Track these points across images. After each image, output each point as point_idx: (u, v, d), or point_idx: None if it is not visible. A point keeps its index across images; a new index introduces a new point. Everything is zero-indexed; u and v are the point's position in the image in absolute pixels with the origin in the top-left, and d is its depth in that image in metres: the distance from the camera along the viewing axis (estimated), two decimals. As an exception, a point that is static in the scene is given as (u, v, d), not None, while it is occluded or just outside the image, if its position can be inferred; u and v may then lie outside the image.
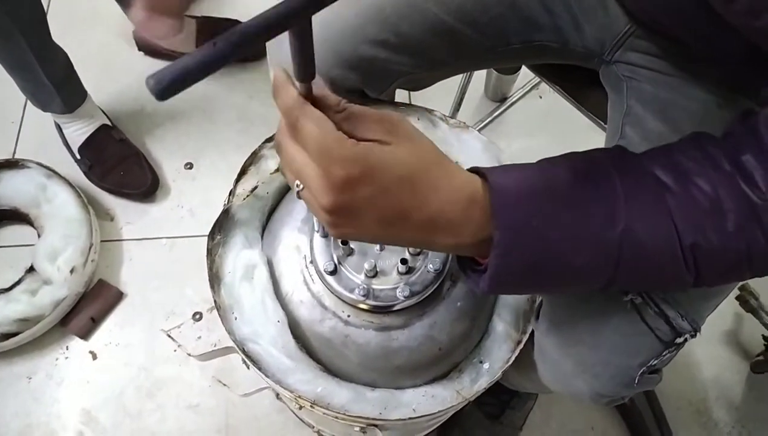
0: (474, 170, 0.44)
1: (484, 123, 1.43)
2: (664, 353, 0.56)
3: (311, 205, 0.42)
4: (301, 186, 0.41)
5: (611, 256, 0.43)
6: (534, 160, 0.47)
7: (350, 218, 0.40)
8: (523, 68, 1.35)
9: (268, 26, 0.31)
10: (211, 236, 0.66)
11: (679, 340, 0.56)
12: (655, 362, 0.56)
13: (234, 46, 0.31)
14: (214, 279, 0.65)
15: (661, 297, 0.56)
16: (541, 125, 1.46)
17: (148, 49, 1.46)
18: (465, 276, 0.49)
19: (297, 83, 0.39)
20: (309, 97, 0.40)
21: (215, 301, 0.64)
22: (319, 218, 0.42)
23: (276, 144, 0.43)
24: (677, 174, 0.44)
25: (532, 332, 0.66)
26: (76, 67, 1.22)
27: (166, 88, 0.30)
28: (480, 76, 1.44)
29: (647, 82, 0.67)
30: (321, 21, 0.64)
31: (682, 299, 0.56)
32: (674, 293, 0.56)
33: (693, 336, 0.56)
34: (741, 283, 1.17)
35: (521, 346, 0.65)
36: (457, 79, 1.21)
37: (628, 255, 0.43)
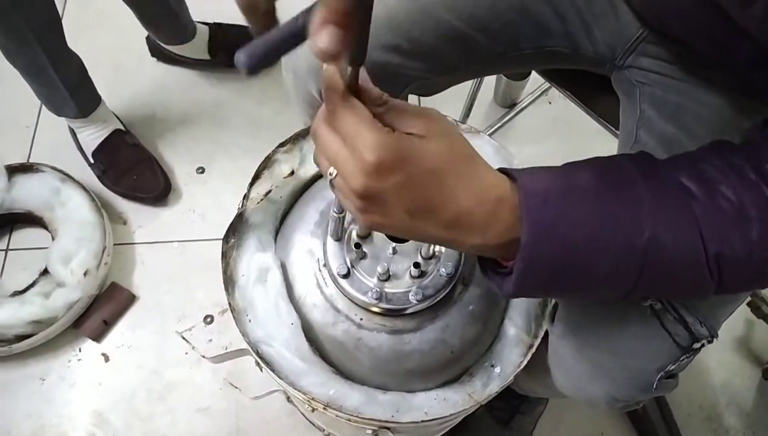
0: (502, 171, 0.44)
1: (494, 129, 1.44)
2: (682, 358, 0.57)
3: (342, 192, 0.42)
4: (334, 173, 0.41)
5: (636, 262, 0.43)
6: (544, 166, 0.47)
7: (379, 205, 0.40)
8: (533, 74, 1.36)
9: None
10: (226, 239, 0.67)
11: (697, 345, 0.56)
12: (673, 366, 0.57)
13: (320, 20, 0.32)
14: (228, 282, 0.66)
15: (680, 303, 0.56)
16: (551, 131, 1.46)
17: (160, 54, 1.48)
18: (487, 278, 0.49)
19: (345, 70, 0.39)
20: (353, 86, 0.40)
21: (229, 303, 0.64)
22: (350, 206, 0.42)
23: (312, 131, 0.43)
24: (702, 182, 0.44)
25: (544, 336, 0.66)
26: (89, 72, 1.23)
27: (257, 62, 0.31)
28: (489, 82, 1.45)
29: (659, 87, 0.67)
30: None
31: (702, 305, 0.56)
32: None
33: (710, 342, 0.57)
34: (752, 289, 1.17)
35: (533, 350, 0.65)
36: (467, 85, 1.21)
37: (653, 262, 0.43)
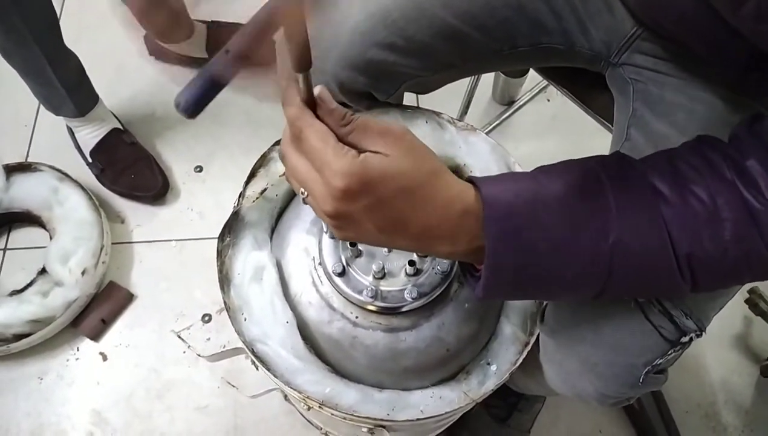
0: (469, 180, 0.45)
1: (492, 126, 1.44)
2: (669, 353, 0.56)
3: (315, 211, 0.44)
4: (305, 194, 0.43)
5: (602, 268, 0.44)
6: (542, 163, 0.48)
7: (351, 223, 0.42)
8: (531, 71, 1.36)
9: (266, 21, 0.32)
10: (221, 237, 0.67)
11: (685, 339, 0.56)
12: (660, 361, 0.56)
13: (243, 50, 0.32)
14: (224, 280, 0.66)
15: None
16: (549, 128, 1.46)
17: (158, 53, 1.48)
18: (465, 280, 0.51)
19: (301, 92, 0.40)
20: (312, 105, 0.41)
21: (225, 302, 0.65)
22: (324, 222, 0.44)
23: (281, 154, 0.45)
24: (675, 183, 0.44)
25: (539, 334, 0.66)
26: (88, 72, 1.23)
27: (196, 104, 0.31)
28: (488, 79, 1.45)
29: (653, 85, 0.67)
30: (330, 25, 0.65)
31: (687, 298, 0.56)
32: None
33: (699, 336, 0.56)
34: (750, 285, 1.16)
35: (528, 348, 0.65)
36: (464, 83, 1.21)
37: (620, 266, 0.44)
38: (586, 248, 0.43)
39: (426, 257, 0.62)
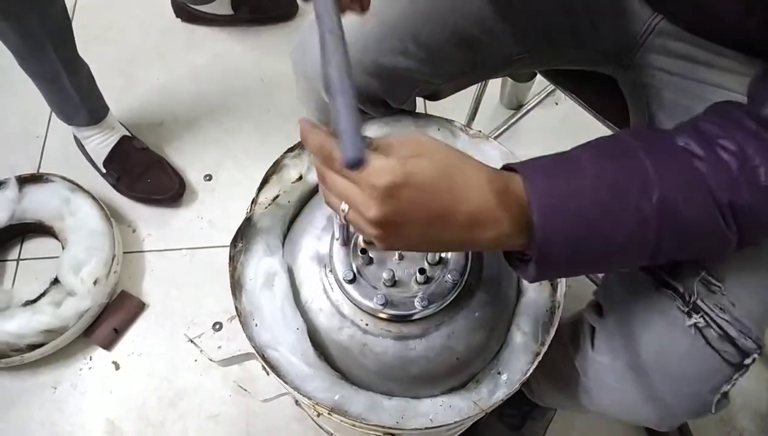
0: (503, 167, 0.47)
1: (500, 131, 1.43)
2: (735, 377, 0.55)
3: (358, 224, 0.44)
4: (347, 208, 0.44)
5: (650, 225, 0.44)
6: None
7: (397, 226, 0.43)
8: (539, 75, 1.35)
9: None
10: (234, 243, 0.67)
11: (748, 361, 0.55)
12: (727, 387, 0.55)
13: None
14: (236, 286, 0.66)
15: (722, 318, 0.54)
16: (558, 132, 1.45)
17: (185, 15, 1.52)
18: (513, 268, 0.51)
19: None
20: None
21: (236, 308, 0.65)
22: (367, 235, 0.44)
23: (318, 176, 0.46)
24: (702, 140, 0.45)
25: (551, 344, 0.65)
26: (96, 82, 1.24)
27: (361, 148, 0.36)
28: (495, 84, 1.44)
29: (667, 89, 0.66)
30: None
31: (742, 314, 0.54)
32: (735, 312, 0.54)
33: (759, 354, 0.55)
34: None
35: (540, 358, 0.64)
36: (472, 87, 1.21)
37: (668, 223, 0.44)
38: (632, 208, 0.44)
39: (437, 264, 0.62)
